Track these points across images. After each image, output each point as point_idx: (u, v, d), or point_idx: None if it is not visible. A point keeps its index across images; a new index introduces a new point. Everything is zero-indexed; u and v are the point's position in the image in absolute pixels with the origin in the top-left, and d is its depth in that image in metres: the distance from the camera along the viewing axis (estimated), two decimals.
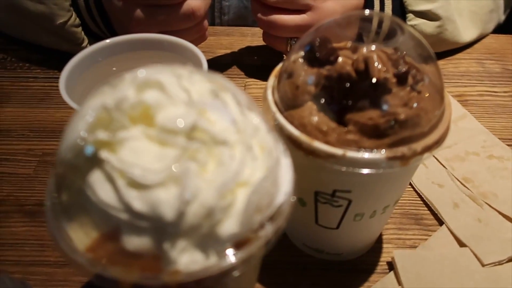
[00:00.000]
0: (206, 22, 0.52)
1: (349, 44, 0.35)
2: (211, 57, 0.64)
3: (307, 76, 0.31)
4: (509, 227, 0.41)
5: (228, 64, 0.63)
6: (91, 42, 0.59)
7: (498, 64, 0.64)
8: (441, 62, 0.64)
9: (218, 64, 0.62)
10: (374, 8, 0.57)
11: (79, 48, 0.57)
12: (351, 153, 0.28)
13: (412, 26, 0.58)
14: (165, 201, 0.20)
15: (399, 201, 0.44)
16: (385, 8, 0.57)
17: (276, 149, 0.25)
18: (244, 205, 0.21)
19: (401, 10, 0.58)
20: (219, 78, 0.25)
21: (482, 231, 0.41)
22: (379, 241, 0.41)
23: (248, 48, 0.65)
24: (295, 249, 0.40)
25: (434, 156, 0.48)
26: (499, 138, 0.51)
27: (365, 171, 0.28)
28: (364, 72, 0.30)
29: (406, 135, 0.28)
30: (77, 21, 0.56)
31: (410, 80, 0.31)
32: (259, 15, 0.54)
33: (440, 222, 0.43)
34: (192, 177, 0.21)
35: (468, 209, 0.43)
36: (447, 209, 0.43)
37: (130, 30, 0.52)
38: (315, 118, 0.30)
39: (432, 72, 0.32)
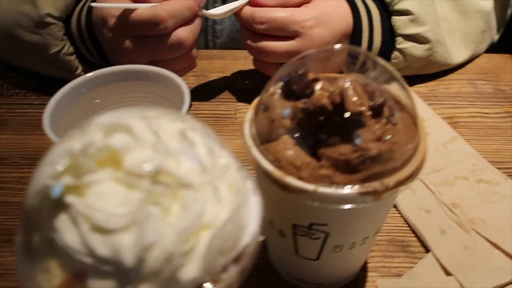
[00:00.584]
0: (195, 51, 0.53)
1: (326, 76, 0.35)
2: (203, 81, 0.65)
3: (283, 110, 0.32)
4: (497, 254, 0.41)
5: (220, 88, 0.63)
6: (85, 70, 0.60)
7: (490, 84, 0.64)
8: (432, 83, 0.64)
9: (210, 88, 0.63)
10: (363, 33, 0.57)
11: (73, 75, 0.59)
12: (323, 189, 0.28)
13: (401, 49, 0.58)
14: (126, 246, 0.21)
15: (386, 228, 0.44)
16: (374, 32, 0.58)
17: (245, 188, 0.26)
18: (206, 249, 0.22)
19: (390, 34, 0.59)
20: (188, 119, 0.26)
21: (469, 259, 0.41)
22: (363, 269, 0.41)
23: (241, 72, 0.66)
24: (280, 279, 0.40)
25: (422, 180, 0.48)
26: (490, 161, 0.51)
27: (337, 206, 0.28)
28: (340, 105, 0.31)
29: (378, 170, 0.29)
30: (71, 49, 0.57)
31: (386, 111, 0.31)
32: (249, 41, 0.55)
33: (427, 250, 0.42)
34: (154, 221, 0.21)
35: (456, 236, 0.43)
36: (434, 235, 0.43)
37: (120, 60, 0.53)
38: (290, 153, 0.30)
39: (407, 105, 0.33)
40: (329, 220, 0.31)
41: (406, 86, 0.32)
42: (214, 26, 0.70)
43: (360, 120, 0.30)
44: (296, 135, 0.31)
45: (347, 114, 0.30)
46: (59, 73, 0.60)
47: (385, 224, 0.45)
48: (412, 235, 0.44)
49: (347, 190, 0.28)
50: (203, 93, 0.63)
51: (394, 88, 0.34)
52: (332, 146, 0.29)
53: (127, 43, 0.50)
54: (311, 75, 0.33)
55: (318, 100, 0.32)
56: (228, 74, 0.66)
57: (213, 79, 0.65)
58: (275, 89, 0.34)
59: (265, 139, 0.32)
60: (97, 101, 0.38)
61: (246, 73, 0.66)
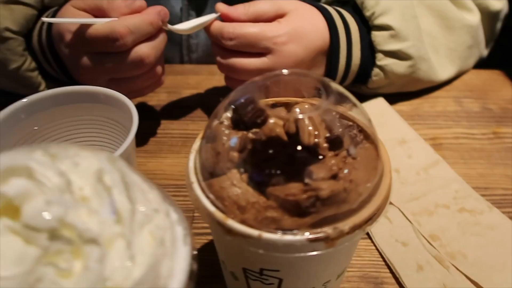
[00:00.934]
0: (159, 68, 0.50)
1: (283, 101, 0.32)
2: (176, 98, 0.61)
3: (230, 141, 0.28)
4: None
5: (192, 106, 0.60)
6: (49, 86, 0.57)
7: (477, 103, 0.61)
8: (416, 101, 0.61)
9: (181, 106, 0.60)
10: (341, 49, 0.54)
11: (37, 92, 0.55)
12: (268, 235, 0.25)
13: (382, 66, 0.55)
14: None
15: (358, 263, 0.41)
16: (353, 47, 0.55)
17: (173, 236, 0.22)
18: None
19: (370, 50, 0.55)
20: (108, 157, 0.23)
21: None
22: None
23: (214, 89, 0.63)
24: None
25: (399, 209, 0.45)
26: (473, 187, 0.48)
27: (285, 255, 0.25)
28: (294, 136, 0.28)
29: (331, 213, 0.25)
30: (33, 65, 0.54)
31: (346, 142, 0.28)
32: (218, 58, 0.52)
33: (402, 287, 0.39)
34: (46, 286, 0.18)
35: (433, 273, 0.39)
36: (410, 272, 0.39)
37: (79, 77, 0.50)
38: (235, 191, 0.27)
39: (371, 134, 0.29)
40: (280, 267, 0.28)
41: (368, 116, 0.29)
42: (189, 40, 0.67)
43: (314, 154, 0.27)
44: (244, 170, 0.27)
45: (299, 147, 0.27)
46: (22, 90, 0.56)
47: (357, 258, 0.41)
48: (387, 270, 0.40)
49: (295, 236, 0.24)
50: (174, 110, 0.59)
51: (357, 116, 0.30)
52: (281, 184, 0.26)
53: (85, 60, 0.47)
54: (264, 101, 0.30)
55: (271, 130, 0.28)
56: (202, 91, 0.63)
57: (186, 96, 0.62)
58: (224, 116, 0.30)
59: (210, 173, 0.28)
60: (35, 128, 0.34)
61: (221, 90, 0.63)
